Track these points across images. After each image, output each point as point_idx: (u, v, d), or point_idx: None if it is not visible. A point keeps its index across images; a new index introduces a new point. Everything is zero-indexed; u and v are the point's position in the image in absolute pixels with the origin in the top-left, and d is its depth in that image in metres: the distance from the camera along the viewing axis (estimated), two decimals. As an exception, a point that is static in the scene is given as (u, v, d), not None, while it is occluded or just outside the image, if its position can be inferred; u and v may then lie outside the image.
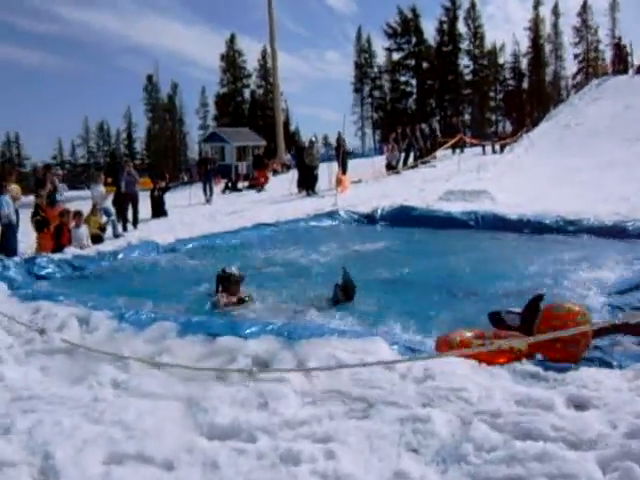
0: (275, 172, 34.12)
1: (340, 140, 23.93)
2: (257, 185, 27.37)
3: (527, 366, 3.90)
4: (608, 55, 70.53)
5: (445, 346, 4.31)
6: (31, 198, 15.21)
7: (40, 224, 12.14)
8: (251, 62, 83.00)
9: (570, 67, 79.57)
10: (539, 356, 4.26)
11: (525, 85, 79.98)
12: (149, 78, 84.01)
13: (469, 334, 4.55)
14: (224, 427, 3.50)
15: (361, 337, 4.46)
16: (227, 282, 7.22)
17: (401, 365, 3.96)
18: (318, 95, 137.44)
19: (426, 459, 3.01)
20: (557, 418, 3.15)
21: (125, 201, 16.37)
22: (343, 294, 7.05)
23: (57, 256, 9.89)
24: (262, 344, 4.53)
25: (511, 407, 3.32)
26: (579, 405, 3.34)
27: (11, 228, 12.63)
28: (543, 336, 3.92)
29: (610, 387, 3.49)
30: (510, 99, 78.75)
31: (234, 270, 7.32)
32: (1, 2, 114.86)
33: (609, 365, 4.00)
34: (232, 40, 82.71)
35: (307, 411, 3.60)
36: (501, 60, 79.86)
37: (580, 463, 2.76)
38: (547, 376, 3.75)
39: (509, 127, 38.99)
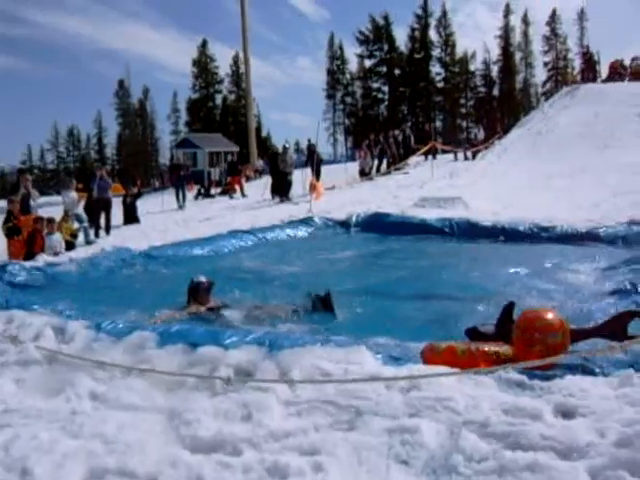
0: (248, 178, 34.02)
1: (312, 146, 23.92)
2: (230, 191, 27.25)
3: (512, 374, 3.87)
4: (577, 63, 71.71)
5: (430, 353, 4.28)
6: (1, 204, 15.02)
7: (12, 231, 11.93)
8: (223, 68, 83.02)
9: (540, 75, 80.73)
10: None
11: (496, 92, 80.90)
12: (120, 83, 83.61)
13: (453, 343, 4.55)
14: (208, 440, 3.42)
15: (344, 346, 4.41)
16: (196, 291, 7.10)
17: (386, 375, 3.92)
18: (289, 101, 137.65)
19: (416, 470, 2.97)
20: (545, 427, 3.13)
21: (98, 207, 16.19)
22: (322, 306, 6.98)
23: (29, 263, 9.71)
24: (244, 354, 4.47)
25: (499, 416, 3.29)
26: (566, 414, 3.32)
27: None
28: (532, 362, 3.91)
29: (596, 395, 3.47)
30: (481, 106, 79.55)
31: (202, 278, 7.18)
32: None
33: (592, 372, 4.00)
34: (204, 45, 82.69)
35: (292, 422, 3.53)
36: (472, 67, 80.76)
37: (571, 473, 2.74)
38: (533, 384, 3.72)
39: (481, 134, 39.04)
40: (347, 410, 3.57)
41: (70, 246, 13.08)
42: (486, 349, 4.20)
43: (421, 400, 3.55)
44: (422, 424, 3.26)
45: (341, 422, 3.47)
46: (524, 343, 4.23)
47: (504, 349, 4.21)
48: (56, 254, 10.90)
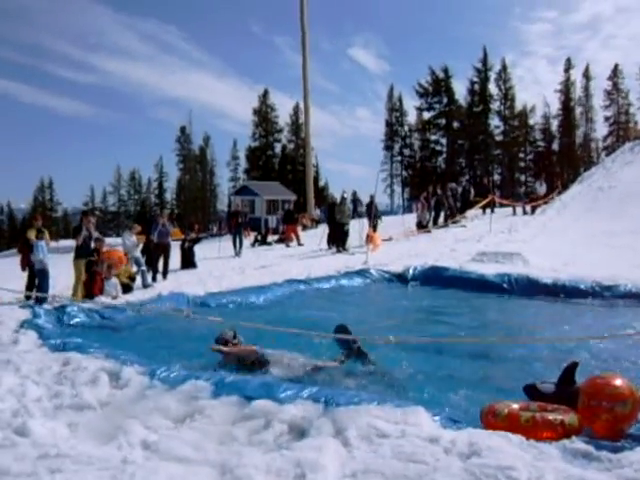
0: (304, 227, 34.17)
1: (371, 198, 23.91)
2: (287, 239, 27.36)
3: (578, 444, 3.68)
4: (639, 118, 70.63)
5: (491, 418, 4.11)
6: (62, 243, 15.34)
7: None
8: (283, 117, 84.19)
9: (600, 129, 79.56)
10: (586, 431, 4.06)
11: (555, 147, 79.96)
12: (182, 129, 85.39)
13: (514, 405, 4.37)
14: (259, 498, 3.33)
15: (401, 406, 4.28)
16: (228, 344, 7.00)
17: (445, 438, 3.77)
18: (347, 151, 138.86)
19: None
20: (615, 505, 2.95)
21: (157, 252, 16.37)
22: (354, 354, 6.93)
23: (87, 305, 9.85)
24: (299, 409, 4.37)
25: (565, 490, 3.12)
26: (638, 491, 3.13)
27: (44, 273, 12.71)
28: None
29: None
30: (540, 160, 78.72)
31: (226, 333, 7.09)
32: (40, 51, 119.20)
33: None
34: (265, 95, 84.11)
35: (346, 484, 3.42)
36: (531, 121, 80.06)
37: None
38: (600, 456, 3.53)
39: (541, 188, 38.49)
40: (404, 474, 3.43)
41: (128, 289, 13.25)
42: (551, 418, 4.00)
43: (481, 468, 3.39)
44: (483, 494, 3.11)
45: (397, 487, 3.34)
46: (590, 412, 4.04)
47: (569, 418, 4.00)
48: (113, 298, 11.01)
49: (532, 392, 4.95)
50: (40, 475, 3.70)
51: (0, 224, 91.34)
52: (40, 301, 11.83)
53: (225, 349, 6.72)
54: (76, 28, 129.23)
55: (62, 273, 14.03)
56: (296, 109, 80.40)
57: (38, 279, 12.86)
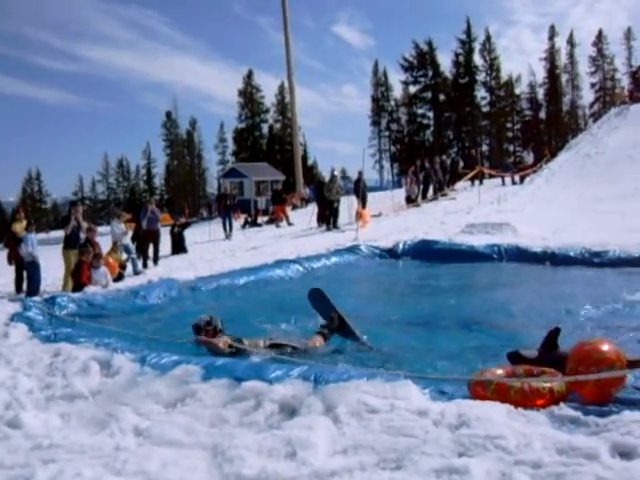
0: (294, 206, 34.17)
1: (360, 174, 23.90)
2: (276, 220, 27.36)
3: (566, 410, 3.70)
4: (625, 83, 70.60)
5: (480, 389, 4.14)
6: (53, 234, 15.31)
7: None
8: (268, 97, 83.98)
9: (587, 96, 79.65)
10: (573, 397, 4.09)
11: (542, 115, 79.99)
12: (168, 114, 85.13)
13: (500, 372, 4.41)
14: (251, 478, 3.33)
15: (390, 381, 4.30)
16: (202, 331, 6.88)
17: (434, 410, 3.80)
18: (335, 129, 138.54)
19: (465, 514, 2.85)
20: (602, 468, 2.96)
21: (147, 238, 16.36)
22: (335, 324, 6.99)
23: (76, 295, 9.82)
24: (289, 388, 4.39)
25: (553, 456, 3.13)
26: (625, 454, 3.14)
27: (34, 266, 12.70)
28: (584, 377, 3.77)
29: (658, 433, 3.29)
30: (528, 129, 78.71)
31: (201, 319, 6.93)
32: (22, 42, 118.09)
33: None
34: (249, 76, 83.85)
35: (337, 461, 3.42)
36: (518, 91, 80.00)
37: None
38: (588, 421, 3.55)
39: (529, 158, 38.44)
40: (394, 448, 3.44)
41: (119, 276, 13.24)
42: (539, 387, 4.02)
43: (470, 438, 3.40)
44: (471, 464, 3.11)
45: (387, 461, 3.34)
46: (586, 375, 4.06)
47: (557, 385, 4.03)
48: (104, 287, 10.98)
49: (516, 358, 4.99)
50: (34, 466, 3.70)
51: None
52: (30, 294, 11.83)
53: (201, 339, 6.65)
54: (58, 17, 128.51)
55: (53, 265, 13.99)
56: (281, 89, 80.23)
57: (28, 272, 12.85)
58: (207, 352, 6.43)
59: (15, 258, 13.26)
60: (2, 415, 4.63)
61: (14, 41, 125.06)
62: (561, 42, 79.10)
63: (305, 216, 25.27)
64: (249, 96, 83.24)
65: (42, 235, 15.20)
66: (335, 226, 21.33)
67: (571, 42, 79.06)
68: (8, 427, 4.39)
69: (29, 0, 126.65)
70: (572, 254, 11.85)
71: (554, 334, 5.01)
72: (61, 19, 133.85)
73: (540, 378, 4.17)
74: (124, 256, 14.72)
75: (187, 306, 9.67)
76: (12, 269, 13.63)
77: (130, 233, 16.61)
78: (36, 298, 9.91)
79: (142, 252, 16.14)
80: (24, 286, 13.16)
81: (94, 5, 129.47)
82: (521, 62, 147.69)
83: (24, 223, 13.62)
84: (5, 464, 3.75)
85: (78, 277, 11.39)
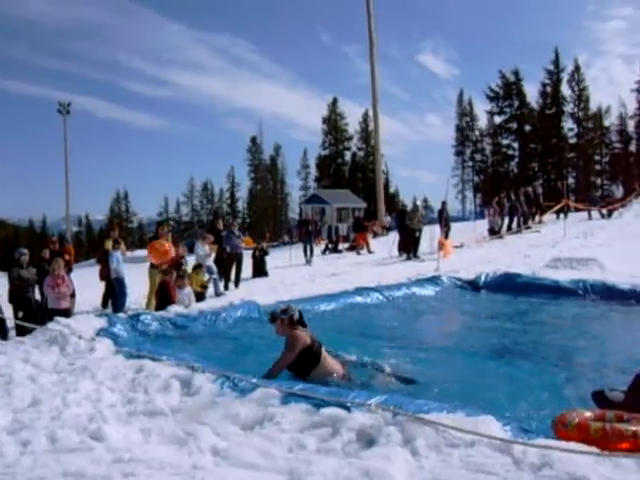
0: (375, 234, 34.09)
1: (443, 204, 23.68)
2: (357, 247, 27.35)
3: (657, 458, 3.53)
4: None
5: (561, 427, 3.98)
6: (138, 253, 15.75)
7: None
8: (352, 125, 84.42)
9: (680, 130, 76.70)
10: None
11: (632, 148, 77.47)
12: (253, 139, 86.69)
13: (588, 414, 4.23)
14: (327, 506, 3.31)
15: (471, 415, 4.20)
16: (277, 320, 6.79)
17: (516, 449, 3.67)
18: (417, 157, 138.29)
19: None
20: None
21: (229, 261, 16.59)
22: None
23: (160, 314, 10.04)
24: (367, 417, 4.34)
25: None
26: None
27: (119, 283, 13.08)
28: None
29: None
30: (617, 162, 76.38)
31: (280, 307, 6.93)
32: (117, 68, 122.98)
33: None
34: (334, 103, 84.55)
35: (415, 495, 3.37)
36: (607, 123, 77.81)
37: None
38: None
39: (618, 192, 37.32)
40: (473, 485, 3.36)
41: (200, 297, 13.45)
42: (622, 429, 3.83)
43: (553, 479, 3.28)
44: (555, 507, 3.00)
45: (466, 498, 3.27)
46: None
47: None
48: (186, 307, 11.17)
49: (600, 399, 4.80)
50: (114, 478, 3.78)
51: (79, 235, 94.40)
52: (115, 310, 12.17)
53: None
54: (151, 45, 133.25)
55: (137, 283, 14.36)
56: (365, 117, 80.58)
57: (114, 288, 13.25)
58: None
59: (107, 275, 13.68)
60: (86, 427, 4.75)
61: (108, 67, 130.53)
62: (654, 73, 76.73)
63: (386, 244, 25.17)
64: (333, 123, 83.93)
65: (127, 253, 15.61)
66: (416, 255, 21.17)
67: (665, 73, 76.63)
68: (91, 439, 4.50)
69: (124, 28, 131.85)
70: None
71: None
72: (154, 46, 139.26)
73: (627, 422, 3.99)
74: (206, 277, 14.95)
75: (267, 329, 9.71)
76: (102, 285, 14.08)
77: (213, 255, 16.88)
78: (121, 314, 10.18)
79: (224, 274, 16.37)
80: (109, 302, 13.59)
81: (185, 33, 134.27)
82: (611, 93, 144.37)
83: (112, 241, 14.06)
84: (87, 474, 3.84)
85: (162, 296, 11.61)
